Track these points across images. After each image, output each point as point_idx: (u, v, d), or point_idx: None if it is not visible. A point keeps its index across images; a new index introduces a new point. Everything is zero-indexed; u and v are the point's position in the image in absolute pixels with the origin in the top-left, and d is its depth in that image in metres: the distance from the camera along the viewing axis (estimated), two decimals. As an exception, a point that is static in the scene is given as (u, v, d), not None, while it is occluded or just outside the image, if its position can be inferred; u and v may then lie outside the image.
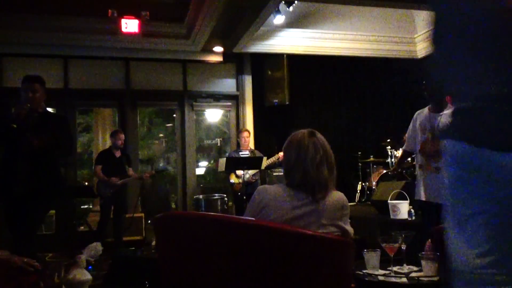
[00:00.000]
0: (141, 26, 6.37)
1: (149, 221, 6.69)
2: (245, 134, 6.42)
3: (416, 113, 3.82)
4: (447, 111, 3.47)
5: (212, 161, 9.43)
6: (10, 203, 3.25)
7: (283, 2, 6.01)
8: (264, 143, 7.04)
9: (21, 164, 3.25)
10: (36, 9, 6.34)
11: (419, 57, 8.03)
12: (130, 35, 6.42)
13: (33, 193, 3.19)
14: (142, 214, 6.78)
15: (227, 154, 6.91)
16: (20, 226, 3.12)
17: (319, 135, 1.99)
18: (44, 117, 3.51)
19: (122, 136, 6.08)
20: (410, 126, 3.83)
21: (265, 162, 5.96)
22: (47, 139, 3.27)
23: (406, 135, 3.94)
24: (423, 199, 3.55)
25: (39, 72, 6.75)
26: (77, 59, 7.03)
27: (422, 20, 7.70)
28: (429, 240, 2.29)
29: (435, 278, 1.97)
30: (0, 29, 6.35)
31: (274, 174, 6.47)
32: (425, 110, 3.73)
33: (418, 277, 2.00)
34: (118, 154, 6.00)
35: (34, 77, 3.65)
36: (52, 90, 6.90)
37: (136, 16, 6.33)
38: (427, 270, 2.01)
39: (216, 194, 5.76)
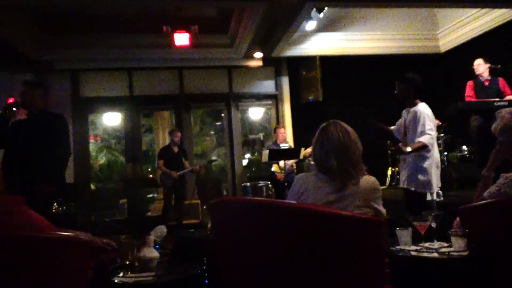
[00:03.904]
0: (191, 39, 6.47)
1: (204, 207, 6.82)
2: (282, 130, 6.52)
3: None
4: (413, 109, 3.46)
5: (256, 153, 9.47)
6: None
7: (314, 9, 5.91)
8: (301, 136, 6.99)
9: (16, 164, 3.01)
10: (103, 29, 6.59)
11: (442, 51, 7.67)
12: (182, 47, 6.54)
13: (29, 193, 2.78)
14: (199, 201, 6.92)
15: (265, 147, 6.93)
16: None
17: (343, 125, 1.88)
18: (40, 117, 3.25)
19: (179, 134, 6.23)
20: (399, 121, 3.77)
21: (303, 153, 5.93)
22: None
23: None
24: (400, 185, 3.64)
25: (109, 83, 7.16)
26: (139, 70, 7.26)
27: (443, 17, 7.35)
28: (457, 218, 2.20)
29: (465, 253, 1.89)
30: (76, 48, 6.67)
31: (312, 163, 6.42)
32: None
33: (448, 252, 1.92)
34: (176, 149, 6.15)
35: (24, 82, 3.37)
36: (120, 97, 7.23)
37: (187, 30, 6.44)
38: (456, 246, 1.93)
39: (261, 182, 5.76)
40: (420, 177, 3.36)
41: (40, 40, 6.51)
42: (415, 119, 3.40)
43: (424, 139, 3.31)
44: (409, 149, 3.33)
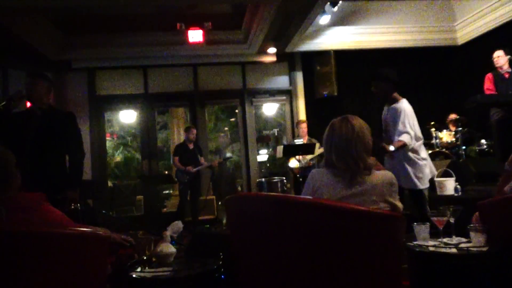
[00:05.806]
0: (205, 35, 6.48)
1: (219, 202, 6.86)
2: (303, 125, 6.39)
3: None
4: (394, 105, 3.41)
5: (270, 149, 9.47)
6: None
7: (328, 3, 5.85)
8: (316, 132, 6.93)
9: (27, 164, 2.76)
10: (118, 28, 6.67)
11: (460, 43, 7.51)
12: (196, 44, 6.56)
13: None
14: (214, 197, 6.97)
15: (284, 142, 6.89)
16: None
17: (352, 119, 1.85)
18: (48, 114, 3.01)
19: (194, 131, 6.26)
20: None
21: (318, 149, 5.88)
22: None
23: None
24: None
25: (124, 81, 7.24)
26: (154, 68, 7.32)
27: (461, 8, 7.19)
28: (476, 213, 2.15)
29: (484, 249, 1.85)
30: (92, 48, 6.77)
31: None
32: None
33: (467, 247, 1.89)
34: (191, 146, 6.19)
35: (28, 73, 3.13)
36: (136, 95, 7.31)
37: (200, 27, 6.45)
38: (476, 241, 1.89)
39: (276, 177, 5.76)
40: (415, 174, 3.35)
41: (57, 40, 6.62)
42: (395, 116, 3.37)
43: (403, 138, 3.29)
44: (392, 148, 3.29)
